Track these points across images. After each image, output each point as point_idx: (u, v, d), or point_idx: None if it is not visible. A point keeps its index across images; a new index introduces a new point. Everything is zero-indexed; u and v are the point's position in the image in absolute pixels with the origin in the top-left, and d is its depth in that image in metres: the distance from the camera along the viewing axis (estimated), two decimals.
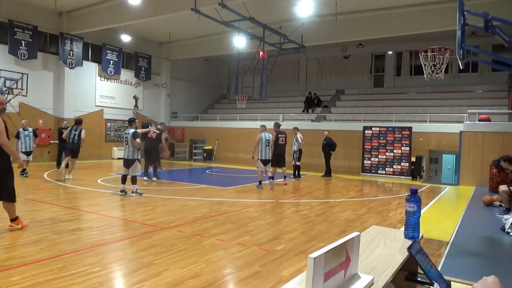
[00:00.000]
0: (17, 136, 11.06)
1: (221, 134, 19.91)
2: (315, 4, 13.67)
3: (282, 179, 11.62)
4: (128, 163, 8.46)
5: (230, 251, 4.67)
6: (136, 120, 9.06)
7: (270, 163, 10.79)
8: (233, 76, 15.57)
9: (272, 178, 11.58)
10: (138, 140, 8.44)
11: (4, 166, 5.05)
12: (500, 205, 7.56)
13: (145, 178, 11.02)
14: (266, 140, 10.55)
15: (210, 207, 7.48)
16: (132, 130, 8.46)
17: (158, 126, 11.94)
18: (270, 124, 15.88)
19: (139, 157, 8.57)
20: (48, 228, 5.52)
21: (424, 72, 7.74)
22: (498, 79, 17.18)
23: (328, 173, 14.21)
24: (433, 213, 7.85)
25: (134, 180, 8.51)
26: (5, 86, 14.53)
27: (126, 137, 8.47)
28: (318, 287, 1.11)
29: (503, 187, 7.18)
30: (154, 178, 11.11)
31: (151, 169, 11.29)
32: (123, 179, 8.59)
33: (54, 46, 16.59)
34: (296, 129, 13.05)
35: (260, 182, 10.53)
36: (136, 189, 8.54)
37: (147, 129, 11.40)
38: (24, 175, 10.99)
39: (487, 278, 1.15)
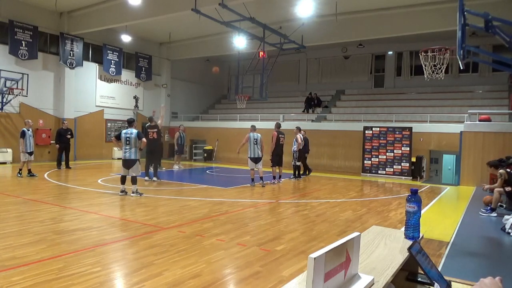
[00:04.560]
0: (23, 136, 10.98)
1: (221, 134, 19.91)
2: (315, 4, 13.67)
3: (278, 178, 11.83)
4: (129, 163, 8.44)
5: (231, 251, 4.67)
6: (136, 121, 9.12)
7: (261, 161, 11.05)
8: (233, 76, 15.53)
9: (274, 177, 11.81)
10: (144, 139, 8.57)
11: None
12: (501, 205, 7.57)
13: (146, 178, 11.03)
14: (254, 139, 10.90)
15: (210, 207, 7.48)
16: (135, 131, 8.46)
17: (155, 121, 11.66)
18: (270, 125, 15.88)
19: (139, 158, 8.59)
20: (49, 228, 5.52)
21: (425, 72, 7.73)
22: (499, 79, 17.17)
23: (305, 172, 13.90)
24: (433, 213, 7.85)
25: (134, 180, 8.51)
26: (5, 86, 14.53)
27: (127, 138, 8.42)
28: (319, 287, 1.11)
29: (498, 189, 7.21)
30: (155, 178, 11.12)
31: (151, 169, 11.29)
32: (123, 180, 8.59)
33: (55, 46, 16.60)
34: (298, 129, 13.06)
35: (252, 180, 10.85)
36: (137, 189, 8.53)
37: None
38: (19, 175, 10.98)
39: (484, 280, 1.15)
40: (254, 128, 11.23)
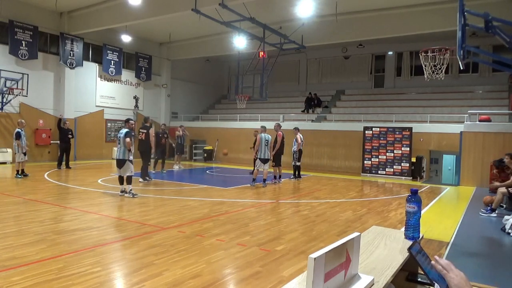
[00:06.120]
0: (19, 137, 10.91)
1: (221, 134, 19.92)
2: (316, 5, 13.67)
3: (278, 178, 11.90)
4: (119, 163, 8.38)
5: (231, 252, 4.67)
6: (132, 121, 8.73)
7: (269, 162, 11.12)
8: (233, 76, 15.52)
9: (275, 177, 11.89)
10: (127, 139, 8.20)
11: None
12: (501, 206, 7.57)
13: (140, 179, 10.91)
14: (266, 140, 10.92)
15: (210, 207, 7.48)
16: (125, 130, 8.38)
17: (162, 127, 11.54)
18: (270, 125, 15.96)
19: (130, 158, 8.33)
20: (49, 228, 5.52)
21: (425, 72, 7.73)
22: (499, 79, 17.17)
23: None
24: (433, 213, 7.85)
25: (127, 180, 8.35)
26: (5, 86, 14.53)
27: (118, 137, 8.41)
28: (319, 287, 1.11)
29: (501, 189, 7.21)
30: (141, 179, 10.90)
31: (151, 170, 11.19)
32: (120, 180, 8.54)
33: (55, 46, 16.60)
34: (296, 129, 13.07)
35: (254, 180, 10.86)
36: (130, 190, 8.35)
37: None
38: (19, 176, 10.92)
39: (455, 271, 1.21)
40: (265, 128, 11.26)
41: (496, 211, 7.13)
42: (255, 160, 12.84)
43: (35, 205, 7.16)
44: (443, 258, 4.58)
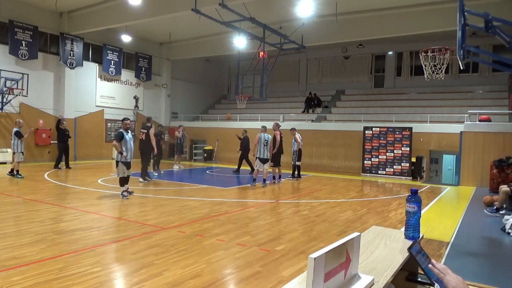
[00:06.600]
0: (21, 136, 10.96)
1: (221, 134, 19.91)
2: (316, 5, 13.67)
3: (278, 178, 11.91)
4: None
5: (231, 252, 4.67)
6: (128, 121, 8.38)
7: (269, 162, 11.10)
8: (233, 77, 15.52)
9: (274, 177, 11.87)
10: (114, 142, 8.08)
11: None
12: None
13: (140, 179, 10.90)
14: (265, 140, 10.89)
15: (210, 208, 7.48)
16: (119, 131, 8.32)
17: (159, 128, 11.60)
18: (270, 125, 15.92)
19: (123, 160, 8.15)
20: (49, 228, 5.52)
21: (425, 72, 7.73)
22: (499, 79, 17.17)
23: (238, 170, 14.54)
24: (433, 213, 7.85)
25: (119, 182, 8.25)
26: (5, 86, 14.53)
27: None
28: (319, 287, 1.11)
29: (504, 188, 7.20)
30: (141, 179, 10.85)
31: (152, 170, 11.18)
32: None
33: (55, 46, 16.60)
34: (293, 129, 13.04)
35: (254, 180, 10.83)
36: (122, 192, 8.16)
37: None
38: (19, 176, 10.92)
39: (452, 274, 1.24)
40: (265, 128, 11.25)
41: (501, 211, 7.13)
42: (242, 159, 12.91)
43: (35, 205, 7.16)
44: (443, 258, 4.58)
